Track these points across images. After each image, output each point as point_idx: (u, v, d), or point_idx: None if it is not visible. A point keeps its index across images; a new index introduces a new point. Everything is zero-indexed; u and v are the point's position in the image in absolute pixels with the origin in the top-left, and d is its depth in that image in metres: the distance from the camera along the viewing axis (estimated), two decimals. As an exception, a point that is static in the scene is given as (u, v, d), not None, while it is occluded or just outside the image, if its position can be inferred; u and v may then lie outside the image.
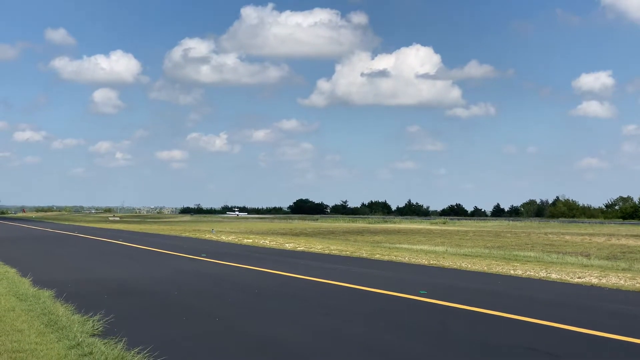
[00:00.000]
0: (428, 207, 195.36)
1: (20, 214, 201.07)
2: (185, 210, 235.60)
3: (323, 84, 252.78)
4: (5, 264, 22.62)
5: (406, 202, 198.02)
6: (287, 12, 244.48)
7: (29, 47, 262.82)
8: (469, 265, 22.83)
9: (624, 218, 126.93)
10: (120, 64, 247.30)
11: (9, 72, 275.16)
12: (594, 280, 18.31)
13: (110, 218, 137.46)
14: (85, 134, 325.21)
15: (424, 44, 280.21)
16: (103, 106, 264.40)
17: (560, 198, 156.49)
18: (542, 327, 11.55)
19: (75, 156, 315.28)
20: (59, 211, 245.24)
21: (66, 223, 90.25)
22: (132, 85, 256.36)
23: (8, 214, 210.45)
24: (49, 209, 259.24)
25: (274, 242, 37.48)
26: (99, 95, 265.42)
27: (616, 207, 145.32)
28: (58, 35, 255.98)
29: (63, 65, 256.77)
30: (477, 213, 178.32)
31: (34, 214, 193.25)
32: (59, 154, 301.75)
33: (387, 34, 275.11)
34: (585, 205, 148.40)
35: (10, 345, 9.72)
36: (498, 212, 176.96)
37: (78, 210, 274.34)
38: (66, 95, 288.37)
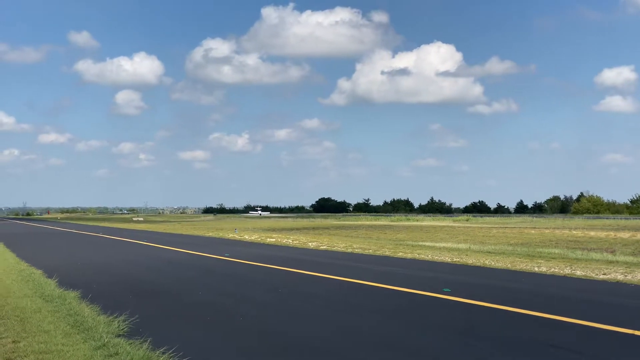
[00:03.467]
0: (451, 205, 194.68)
1: (45, 216, 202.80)
2: (208, 210, 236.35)
3: (344, 83, 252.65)
4: (31, 265, 22.83)
5: (428, 199, 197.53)
6: (308, 12, 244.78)
7: (53, 50, 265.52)
8: (493, 263, 22.72)
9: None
10: (143, 66, 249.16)
11: (34, 74, 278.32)
12: (620, 277, 18.17)
13: (134, 219, 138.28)
14: (108, 136, 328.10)
15: (444, 41, 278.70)
16: (126, 107, 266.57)
17: (584, 194, 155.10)
18: (566, 324, 11.48)
19: (99, 157, 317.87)
20: (84, 212, 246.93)
21: (91, 224, 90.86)
22: (154, 87, 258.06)
23: (33, 215, 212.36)
24: (74, 210, 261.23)
25: (297, 241, 37.53)
26: (122, 96, 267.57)
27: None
28: (82, 38, 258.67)
29: (86, 67, 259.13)
30: (501, 210, 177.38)
31: (59, 215, 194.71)
32: (83, 156, 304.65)
33: (408, 32, 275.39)
34: (610, 201, 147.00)
35: (37, 347, 9.82)
36: (521, 208, 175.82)
37: (102, 211, 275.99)
38: (90, 97, 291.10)
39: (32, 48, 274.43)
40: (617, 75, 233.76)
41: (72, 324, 11.54)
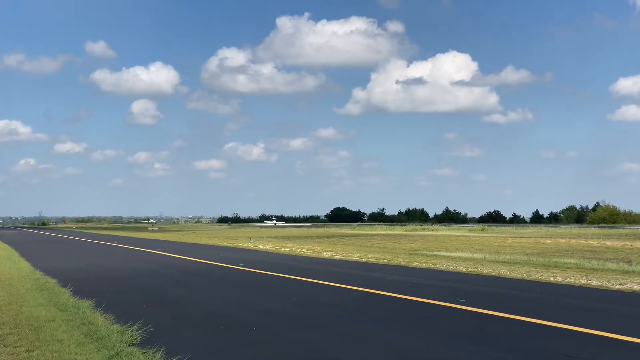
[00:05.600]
0: (466, 214, 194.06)
1: (60, 225, 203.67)
2: (223, 220, 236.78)
3: (359, 93, 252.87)
4: (45, 274, 22.89)
5: (444, 209, 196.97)
6: (323, 21, 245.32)
7: (70, 60, 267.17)
8: (508, 273, 22.60)
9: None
10: (159, 75, 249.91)
11: (51, 84, 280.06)
12: (636, 287, 18.01)
13: (149, 228, 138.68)
14: (124, 145, 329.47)
15: (460, 50, 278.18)
16: (142, 117, 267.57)
17: (600, 204, 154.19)
18: (582, 334, 11.38)
19: (114, 167, 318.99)
20: (99, 221, 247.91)
21: (106, 233, 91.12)
22: (170, 96, 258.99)
23: (49, 224, 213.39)
24: (89, 220, 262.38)
25: (312, 251, 37.48)
26: (138, 106, 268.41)
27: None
28: (98, 47, 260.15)
29: (103, 77, 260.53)
30: (516, 220, 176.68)
31: (74, 225, 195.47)
32: (99, 165, 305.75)
33: (424, 41, 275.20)
34: (627, 210, 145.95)
35: (51, 356, 9.82)
36: (537, 218, 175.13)
37: (117, 220, 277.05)
38: (106, 106, 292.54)
39: (49, 58, 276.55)
40: (633, 84, 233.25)
41: (85, 333, 11.55)
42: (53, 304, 15.22)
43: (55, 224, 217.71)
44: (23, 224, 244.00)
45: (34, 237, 75.66)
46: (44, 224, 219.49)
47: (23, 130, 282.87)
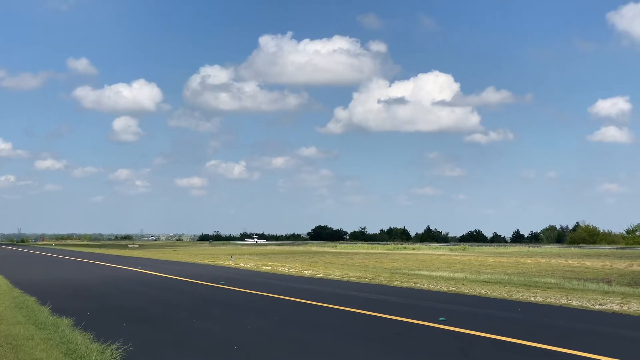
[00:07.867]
0: (447, 233, 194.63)
1: (39, 242, 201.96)
2: (204, 238, 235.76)
3: (340, 112, 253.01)
4: (24, 292, 22.70)
5: (425, 228, 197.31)
6: (306, 41, 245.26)
7: (52, 77, 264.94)
8: (489, 292, 22.65)
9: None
10: (141, 93, 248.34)
11: (32, 101, 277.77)
12: (616, 307, 18.11)
13: (129, 246, 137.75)
14: (105, 162, 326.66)
15: (442, 71, 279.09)
16: (123, 134, 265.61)
17: (580, 224, 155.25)
18: (562, 355, 11.42)
19: (95, 184, 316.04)
20: (79, 239, 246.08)
21: (86, 250, 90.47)
22: (152, 113, 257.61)
23: (28, 241, 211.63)
24: (69, 237, 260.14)
25: (293, 269, 37.40)
26: (119, 123, 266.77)
27: (637, 233, 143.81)
28: (80, 64, 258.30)
29: (85, 94, 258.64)
30: (497, 239, 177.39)
31: (53, 242, 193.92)
32: (79, 182, 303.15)
33: (406, 62, 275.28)
34: (606, 231, 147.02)
35: (29, 374, 9.73)
36: (518, 238, 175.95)
37: (97, 238, 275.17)
38: (87, 123, 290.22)
39: (30, 74, 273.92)
40: (611, 105, 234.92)
41: (65, 351, 11.45)
42: (32, 322, 15.09)
43: (35, 241, 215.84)
44: (2, 240, 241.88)
45: (13, 254, 75.01)
46: (23, 241, 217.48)
47: (3, 146, 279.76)
